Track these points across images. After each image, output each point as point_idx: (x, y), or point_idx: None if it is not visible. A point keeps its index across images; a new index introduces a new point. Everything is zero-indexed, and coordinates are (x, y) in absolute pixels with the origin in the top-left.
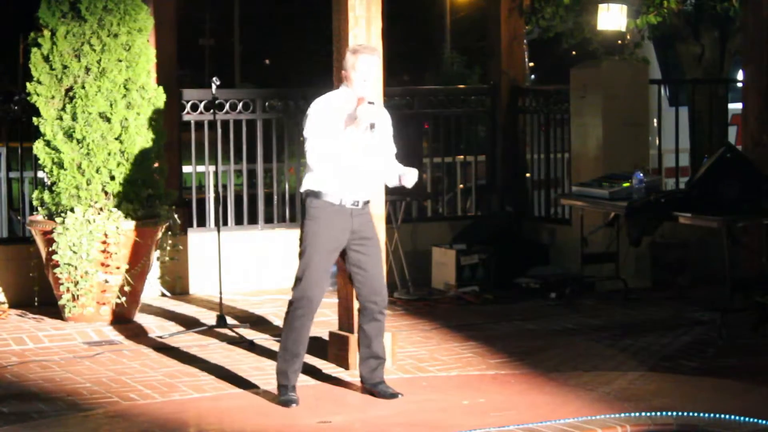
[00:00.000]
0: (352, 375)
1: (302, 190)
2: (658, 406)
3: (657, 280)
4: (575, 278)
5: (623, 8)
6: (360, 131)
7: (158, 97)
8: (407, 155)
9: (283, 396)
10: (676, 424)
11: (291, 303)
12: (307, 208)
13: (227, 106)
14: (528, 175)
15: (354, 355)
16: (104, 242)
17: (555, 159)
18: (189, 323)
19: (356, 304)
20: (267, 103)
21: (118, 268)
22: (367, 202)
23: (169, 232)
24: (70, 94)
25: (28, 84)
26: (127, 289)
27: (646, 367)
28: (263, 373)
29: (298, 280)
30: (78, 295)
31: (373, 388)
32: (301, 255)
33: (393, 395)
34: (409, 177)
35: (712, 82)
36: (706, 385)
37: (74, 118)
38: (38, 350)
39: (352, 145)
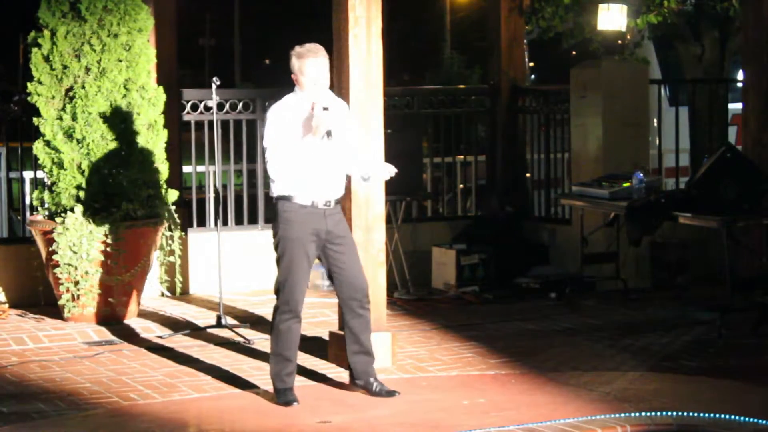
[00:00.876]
0: None
1: (273, 195)
2: (658, 406)
3: (657, 280)
4: (575, 278)
5: (623, 8)
6: (317, 139)
7: (158, 97)
8: (407, 155)
9: (282, 397)
10: (676, 424)
11: (276, 308)
12: (279, 213)
13: (227, 106)
14: (528, 175)
15: None
16: (104, 242)
17: (555, 159)
18: (189, 323)
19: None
20: (267, 103)
21: (117, 268)
22: (338, 201)
23: (169, 232)
24: (70, 94)
25: (28, 84)
26: (127, 289)
27: (646, 367)
28: (263, 373)
29: (281, 284)
30: (78, 295)
31: (368, 385)
32: (279, 260)
33: (389, 393)
34: (379, 173)
35: (712, 82)
36: (706, 385)
37: (74, 118)
38: (38, 350)
39: (312, 152)
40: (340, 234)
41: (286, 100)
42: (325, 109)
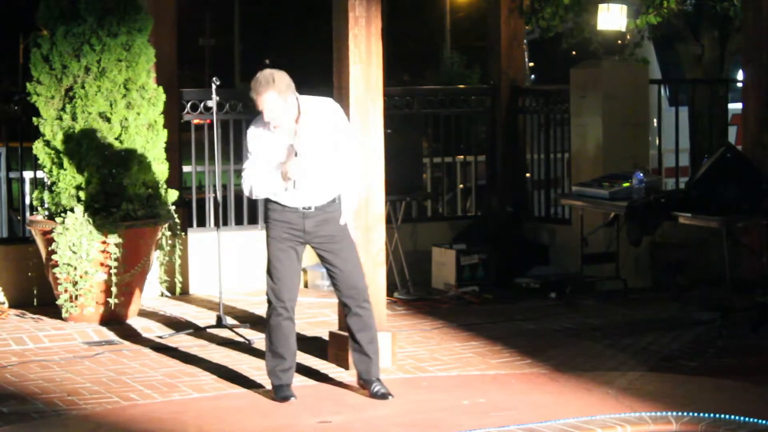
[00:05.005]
0: (352, 375)
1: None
2: (658, 406)
3: (657, 280)
4: (575, 278)
5: (623, 8)
6: (285, 183)
7: (158, 97)
8: (407, 155)
9: (279, 393)
10: (676, 424)
11: (268, 304)
12: (265, 211)
13: (227, 106)
14: (528, 175)
15: None
16: (104, 242)
17: (555, 159)
18: (189, 323)
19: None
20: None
21: (117, 268)
22: (322, 206)
23: (169, 232)
24: (70, 94)
25: (27, 84)
26: (126, 289)
27: (646, 367)
28: (263, 373)
29: (268, 281)
30: (77, 295)
31: (366, 384)
32: (267, 257)
33: (383, 396)
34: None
35: (712, 82)
36: (706, 385)
37: (74, 118)
38: (38, 350)
39: (282, 184)
40: (325, 233)
41: (258, 120)
42: (296, 155)
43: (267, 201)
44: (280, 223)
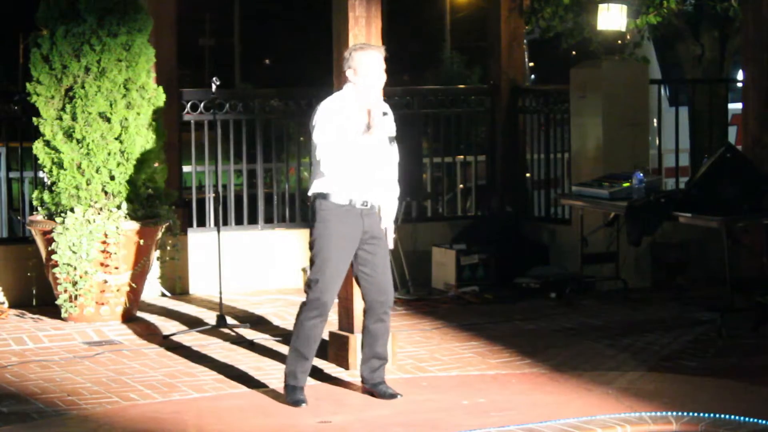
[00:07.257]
0: (352, 375)
1: (310, 193)
2: (658, 406)
3: (657, 280)
4: (575, 278)
5: (623, 8)
6: (375, 141)
7: (158, 97)
8: (407, 155)
9: (291, 396)
10: (676, 424)
11: (304, 304)
12: (316, 211)
13: (227, 106)
14: (528, 175)
15: (354, 355)
16: (104, 242)
17: (555, 159)
18: (189, 323)
19: (358, 304)
20: (267, 104)
21: (117, 268)
22: (374, 204)
23: (169, 232)
24: (70, 94)
25: (27, 84)
26: (126, 289)
27: (646, 367)
28: (263, 373)
29: (314, 282)
30: (76, 295)
31: (373, 388)
32: (314, 258)
33: (392, 395)
34: (386, 221)
35: (712, 82)
36: (706, 385)
37: (74, 118)
38: (38, 350)
39: (366, 152)
40: (375, 234)
41: (338, 95)
42: (385, 114)
43: (320, 201)
44: (340, 224)
